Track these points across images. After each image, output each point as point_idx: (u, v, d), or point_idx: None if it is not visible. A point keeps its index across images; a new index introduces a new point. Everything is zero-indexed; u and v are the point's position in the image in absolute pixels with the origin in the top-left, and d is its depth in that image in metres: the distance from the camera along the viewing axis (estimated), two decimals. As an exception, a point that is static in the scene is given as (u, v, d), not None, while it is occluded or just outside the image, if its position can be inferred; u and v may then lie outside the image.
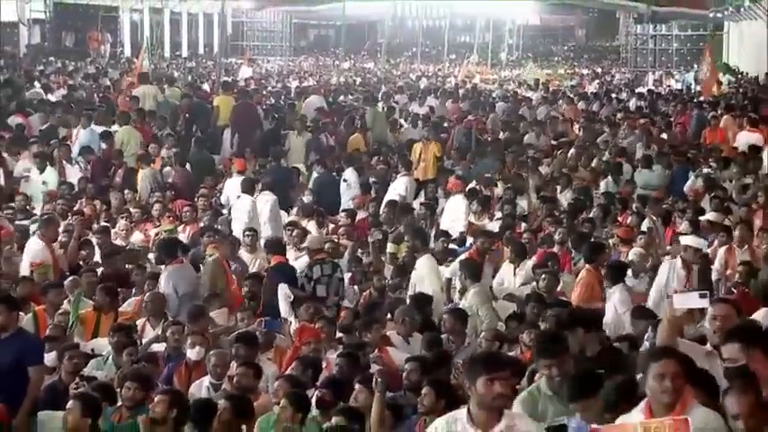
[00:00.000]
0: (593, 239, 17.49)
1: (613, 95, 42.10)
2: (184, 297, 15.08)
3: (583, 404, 8.54)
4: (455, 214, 20.89)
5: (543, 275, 15.51)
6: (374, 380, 10.58)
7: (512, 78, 52.71)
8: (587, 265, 15.50)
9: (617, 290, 14.57)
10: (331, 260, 16.24)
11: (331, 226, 20.82)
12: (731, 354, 8.15)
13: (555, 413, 8.83)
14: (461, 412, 8.09)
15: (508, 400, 8.13)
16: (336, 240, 19.02)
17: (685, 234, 17.15)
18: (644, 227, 18.73)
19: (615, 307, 14.11)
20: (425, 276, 16.05)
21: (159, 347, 13.50)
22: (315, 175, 24.24)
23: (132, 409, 10.85)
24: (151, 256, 17.52)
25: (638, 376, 8.45)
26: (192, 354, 12.76)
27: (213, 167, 25.53)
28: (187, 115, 30.05)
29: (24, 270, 16.53)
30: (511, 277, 16.99)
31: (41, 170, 22.31)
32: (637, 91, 43.95)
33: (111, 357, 12.90)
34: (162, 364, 13.03)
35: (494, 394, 7.86)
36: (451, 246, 18.57)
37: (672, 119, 33.76)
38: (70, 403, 10.53)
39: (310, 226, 19.97)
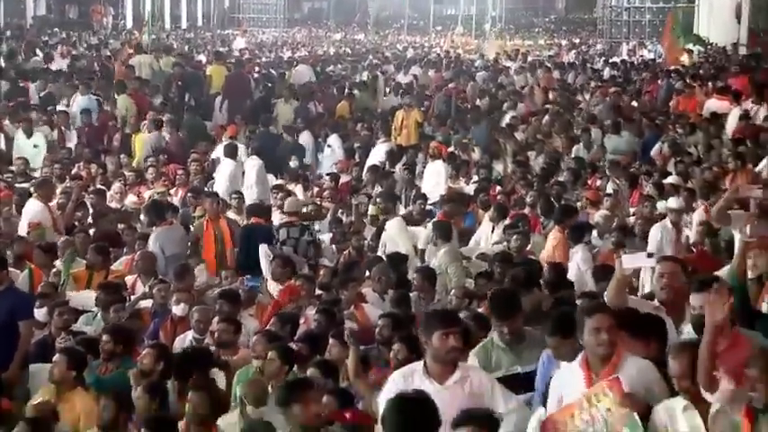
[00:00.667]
0: (563, 202, 17.48)
1: (588, 65, 42.00)
2: (171, 257, 14.99)
3: (558, 341, 8.44)
4: (436, 178, 20.86)
5: (514, 236, 15.46)
6: (346, 335, 10.56)
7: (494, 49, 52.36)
8: (557, 227, 15.45)
9: (579, 249, 14.56)
10: (300, 223, 16.07)
11: (316, 189, 20.79)
12: (698, 303, 8.13)
13: (508, 364, 8.80)
14: (418, 365, 8.11)
15: (461, 353, 8.13)
16: (319, 203, 19.04)
17: (652, 197, 17.30)
18: (609, 190, 18.71)
19: (578, 265, 14.07)
20: (395, 236, 16.00)
21: (147, 304, 13.48)
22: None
23: (110, 361, 10.83)
24: (143, 217, 17.42)
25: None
26: (177, 310, 12.74)
27: (205, 133, 25.44)
28: (179, 83, 29.90)
29: (22, 230, 16.45)
30: (488, 237, 16.95)
31: (28, 135, 22.22)
32: (611, 61, 43.75)
33: (99, 313, 12.88)
34: (149, 320, 13.05)
35: (448, 348, 7.88)
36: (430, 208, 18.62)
37: (641, 88, 33.66)
38: (56, 356, 10.52)
39: (297, 189, 19.93)
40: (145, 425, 8.88)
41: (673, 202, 15.82)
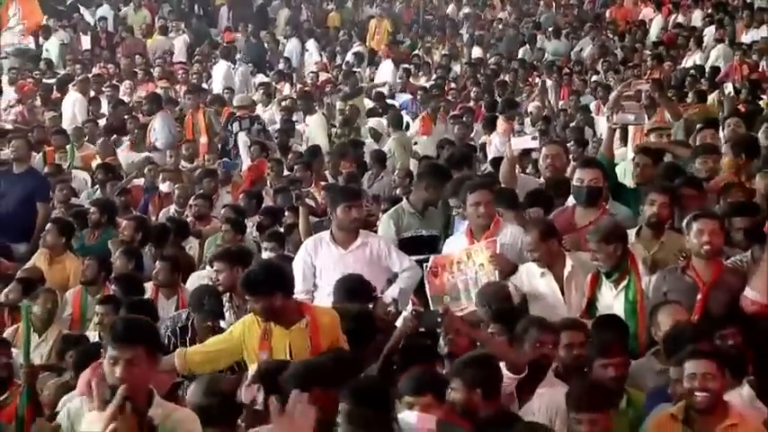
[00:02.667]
0: (507, 97, 17.30)
1: None
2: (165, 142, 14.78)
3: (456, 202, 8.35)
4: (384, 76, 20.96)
5: (458, 125, 15.35)
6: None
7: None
8: (501, 116, 15.26)
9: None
10: (248, 115, 15.66)
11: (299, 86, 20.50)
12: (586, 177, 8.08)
13: (415, 227, 8.69)
14: (326, 233, 8.03)
15: (361, 223, 8.04)
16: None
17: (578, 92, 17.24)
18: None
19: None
20: (314, 130, 15.74)
21: (139, 182, 13.33)
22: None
23: (96, 229, 10.70)
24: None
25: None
26: (163, 187, 12.64)
27: (210, 38, 24.98)
28: None
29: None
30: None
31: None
32: None
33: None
34: (141, 195, 12.91)
35: (351, 219, 7.83)
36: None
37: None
38: (48, 225, 10.42)
39: (285, 87, 19.75)
40: (115, 281, 8.79)
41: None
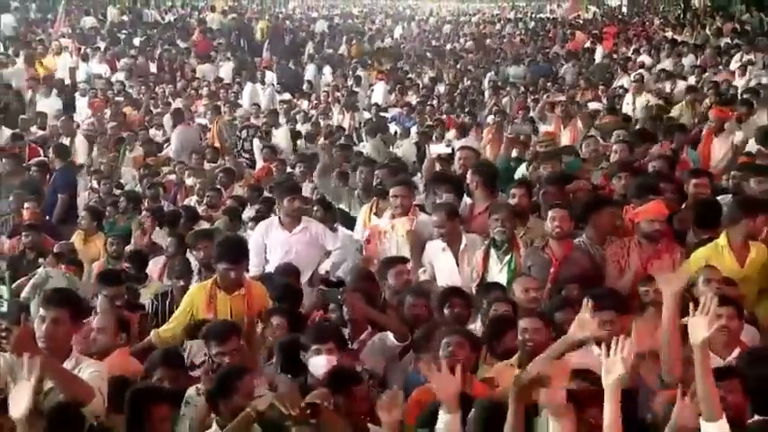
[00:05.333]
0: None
1: (520, 20, 40.34)
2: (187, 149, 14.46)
3: None
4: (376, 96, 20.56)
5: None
6: None
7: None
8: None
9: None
10: (255, 126, 15.42)
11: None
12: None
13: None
14: (275, 219, 8.04)
15: (301, 211, 8.00)
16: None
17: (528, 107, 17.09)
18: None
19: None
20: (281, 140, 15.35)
21: (172, 177, 13.32)
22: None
23: (124, 214, 10.70)
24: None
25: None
26: (188, 181, 12.64)
27: (250, 66, 24.79)
28: (236, 32, 28.79)
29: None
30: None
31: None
32: (536, 17, 42.00)
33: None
34: (172, 187, 12.86)
35: (293, 208, 7.83)
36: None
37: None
38: (82, 213, 10.49)
39: (304, 104, 19.65)
40: (127, 257, 8.82)
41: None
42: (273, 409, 4.40)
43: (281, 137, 15.16)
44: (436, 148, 9.04)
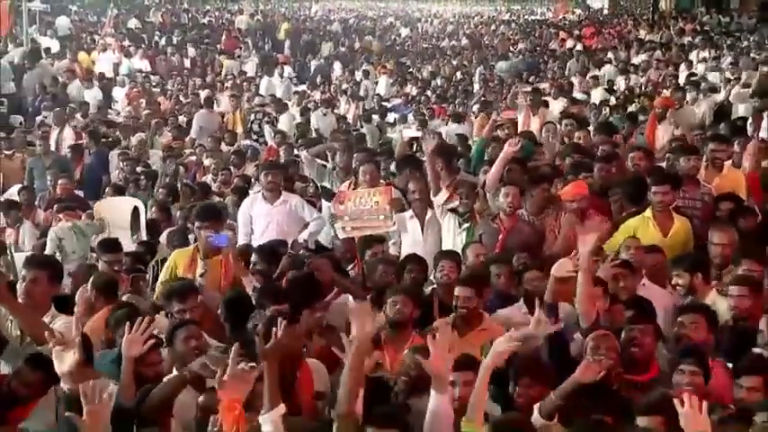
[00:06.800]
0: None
1: (514, 21, 39.95)
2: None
3: None
4: (380, 88, 20.31)
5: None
6: None
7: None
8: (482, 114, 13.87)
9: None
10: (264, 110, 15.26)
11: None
12: None
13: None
14: (259, 194, 7.97)
15: (276, 185, 7.80)
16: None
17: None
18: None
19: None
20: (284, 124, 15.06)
21: (192, 158, 13.15)
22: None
23: (146, 191, 10.61)
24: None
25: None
26: (206, 162, 12.54)
27: (270, 62, 24.45)
28: (261, 32, 28.67)
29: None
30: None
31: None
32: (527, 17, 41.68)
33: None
34: (192, 166, 12.72)
35: (267, 181, 7.75)
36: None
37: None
38: (107, 190, 10.46)
39: (316, 94, 19.50)
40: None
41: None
42: (205, 370, 4.18)
43: (284, 122, 15.04)
44: (408, 132, 8.95)
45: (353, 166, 8.66)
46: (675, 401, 3.69)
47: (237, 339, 4.61)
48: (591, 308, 5.05)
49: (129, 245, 7.76)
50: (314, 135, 14.21)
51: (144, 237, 8.48)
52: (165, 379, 4.41)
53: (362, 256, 6.89)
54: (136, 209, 8.97)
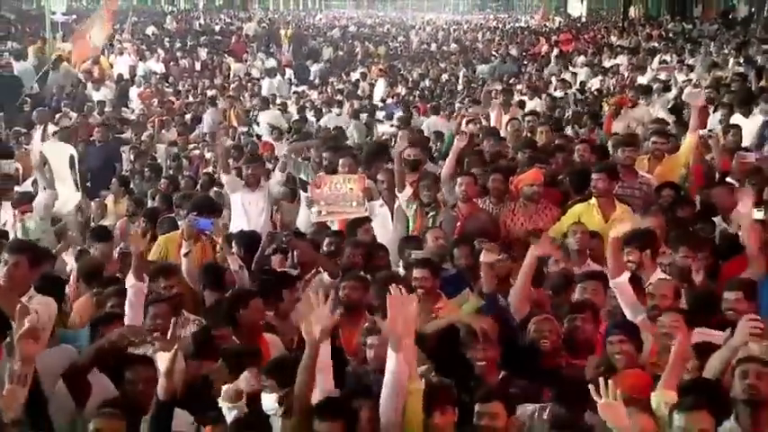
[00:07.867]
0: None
1: (499, 28, 39.74)
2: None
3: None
4: (378, 90, 19.86)
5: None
6: None
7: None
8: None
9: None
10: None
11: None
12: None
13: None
14: (242, 182, 7.92)
15: (257, 177, 7.83)
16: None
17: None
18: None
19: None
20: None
21: (196, 152, 12.89)
22: None
23: (149, 183, 10.57)
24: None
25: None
26: (207, 155, 12.20)
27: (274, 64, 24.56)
28: (266, 38, 28.53)
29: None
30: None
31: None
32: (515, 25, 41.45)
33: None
34: (196, 160, 12.53)
35: (248, 173, 7.74)
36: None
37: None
38: (113, 181, 10.41)
39: (314, 95, 19.33)
40: (143, 214, 8.67)
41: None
42: (122, 340, 4.27)
43: (266, 118, 14.84)
44: (382, 128, 8.88)
45: (331, 160, 8.61)
46: (591, 390, 3.66)
47: (212, 308, 5.22)
48: (524, 306, 5.15)
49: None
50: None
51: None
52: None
53: (351, 236, 6.83)
54: (72, 156, 9.56)
